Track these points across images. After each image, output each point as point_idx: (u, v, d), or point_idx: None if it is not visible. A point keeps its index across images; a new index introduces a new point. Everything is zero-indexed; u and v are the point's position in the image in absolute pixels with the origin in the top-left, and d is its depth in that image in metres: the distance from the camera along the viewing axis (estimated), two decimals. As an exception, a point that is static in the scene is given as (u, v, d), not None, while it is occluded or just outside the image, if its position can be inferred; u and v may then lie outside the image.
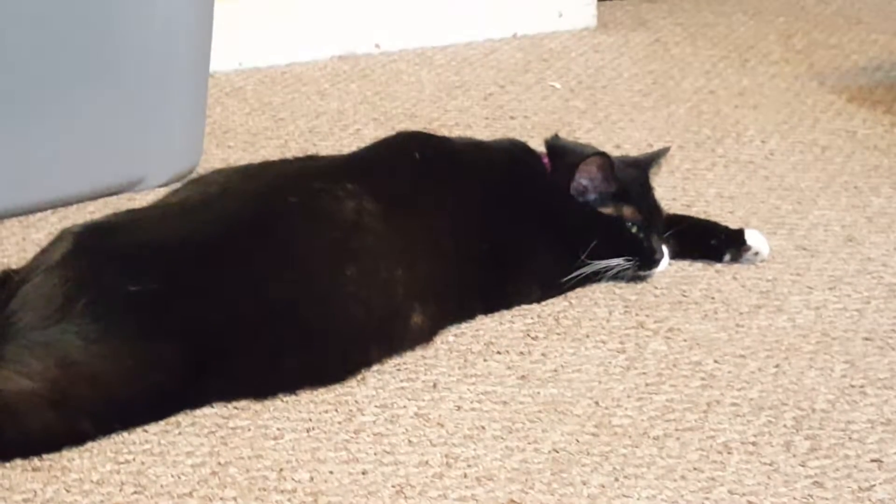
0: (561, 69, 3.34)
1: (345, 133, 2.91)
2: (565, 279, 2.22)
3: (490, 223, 2.18)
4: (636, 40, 3.56)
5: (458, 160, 2.23)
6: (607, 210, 2.24)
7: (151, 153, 2.59)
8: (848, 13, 3.83)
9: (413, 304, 2.06)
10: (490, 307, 2.19)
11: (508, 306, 2.20)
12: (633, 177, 2.28)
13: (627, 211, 2.24)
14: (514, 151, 2.31)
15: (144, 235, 1.95)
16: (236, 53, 3.26)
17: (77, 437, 1.81)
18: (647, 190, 2.30)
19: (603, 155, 2.23)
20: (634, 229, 2.24)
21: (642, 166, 2.32)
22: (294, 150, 2.78)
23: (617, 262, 2.23)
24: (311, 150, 2.77)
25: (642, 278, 2.28)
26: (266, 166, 2.24)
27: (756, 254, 2.37)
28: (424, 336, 2.09)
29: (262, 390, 1.93)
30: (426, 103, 3.09)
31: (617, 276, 2.26)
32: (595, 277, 2.24)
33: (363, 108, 3.06)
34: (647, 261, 2.25)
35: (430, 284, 2.08)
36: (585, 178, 2.22)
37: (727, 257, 2.37)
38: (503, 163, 2.27)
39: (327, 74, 3.26)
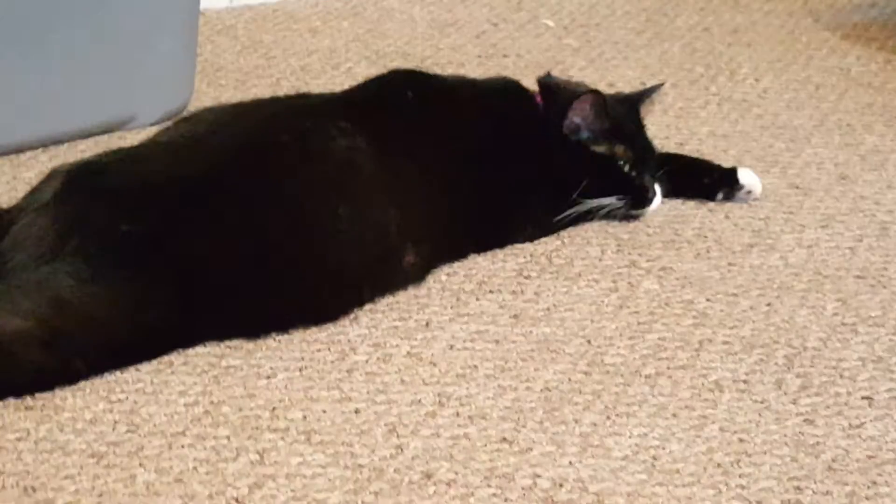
0: (554, 7, 3.32)
1: (337, 71, 2.90)
2: (557, 217, 2.22)
3: (482, 162, 2.17)
4: (630, -23, 3.54)
5: (451, 98, 2.23)
6: (599, 148, 2.23)
7: (142, 91, 2.58)
8: (843, -50, 3.81)
9: (406, 244, 2.06)
10: (483, 246, 2.19)
11: (501, 245, 2.20)
12: (625, 115, 2.27)
13: (619, 149, 2.23)
14: (506, 89, 2.30)
15: (135, 174, 1.95)
16: (227, -9, 3.24)
17: (69, 377, 1.81)
18: (640, 128, 2.29)
19: (595, 93, 2.22)
20: (627, 168, 2.23)
21: (635, 103, 2.32)
22: (286, 89, 2.77)
23: (609, 200, 2.23)
24: (303, 89, 2.76)
25: (635, 217, 2.28)
26: (257, 105, 2.23)
27: (749, 192, 2.37)
28: (417, 275, 2.09)
29: (254, 329, 1.93)
30: (418, 41, 3.08)
31: (609, 215, 2.25)
32: (587, 216, 2.24)
33: (355, 45, 3.04)
34: (640, 199, 2.25)
35: (422, 224, 2.08)
36: (578, 116, 2.22)
37: (720, 196, 2.37)
38: (495, 101, 2.26)
39: (319, 12, 3.24)
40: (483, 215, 2.18)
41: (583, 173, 2.21)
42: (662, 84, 2.42)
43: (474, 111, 2.22)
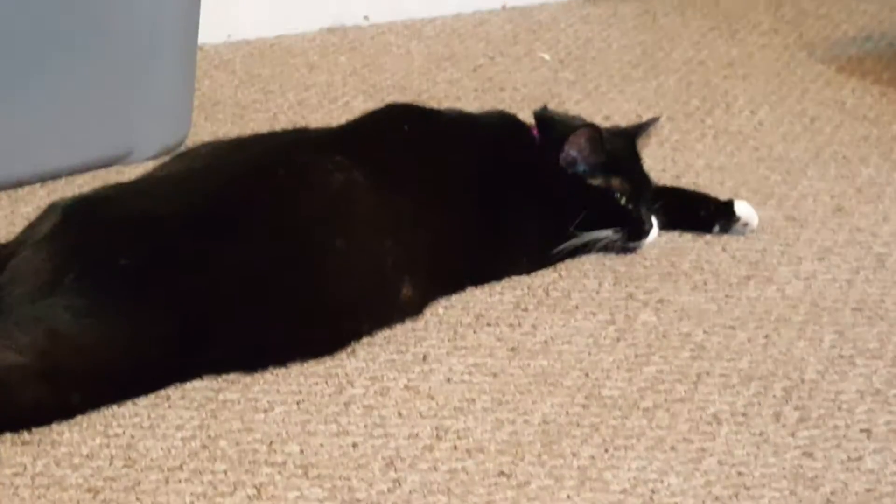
0: (550, 40, 3.33)
1: (334, 105, 2.90)
2: (555, 250, 2.22)
3: (479, 195, 2.18)
4: (625, 11, 3.55)
5: (448, 132, 2.23)
6: (596, 181, 2.23)
7: (140, 126, 2.59)
8: (837, -17, 3.82)
9: (403, 277, 2.06)
10: (480, 279, 2.19)
11: (498, 278, 2.20)
12: (621, 148, 2.28)
13: (616, 182, 2.24)
14: (503, 123, 2.30)
15: (133, 208, 1.95)
16: (225, 25, 3.25)
17: (67, 411, 1.80)
18: (636, 161, 2.30)
19: (592, 126, 2.23)
20: (623, 200, 2.24)
21: (631, 137, 2.32)
22: (283, 123, 2.78)
23: (606, 233, 2.23)
24: (301, 123, 2.76)
25: (632, 249, 2.28)
26: (255, 139, 2.23)
27: (745, 225, 2.38)
28: (414, 308, 2.09)
29: (252, 363, 1.93)
30: (415, 75, 3.09)
31: (606, 248, 2.26)
32: (584, 249, 2.24)
33: (352, 80, 3.05)
34: (636, 232, 2.25)
35: (419, 257, 2.08)
36: (574, 150, 2.22)
37: (717, 228, 2.37)
38: (492, 134, 2.26)
39: (316, 47, 3.25)
40: (480, 248, 2.18)
41: (580, 206, 2.21)
42: (658, 118, 2.42)
43: (471, 145, 2.22)
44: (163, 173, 2.08)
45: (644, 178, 2.30)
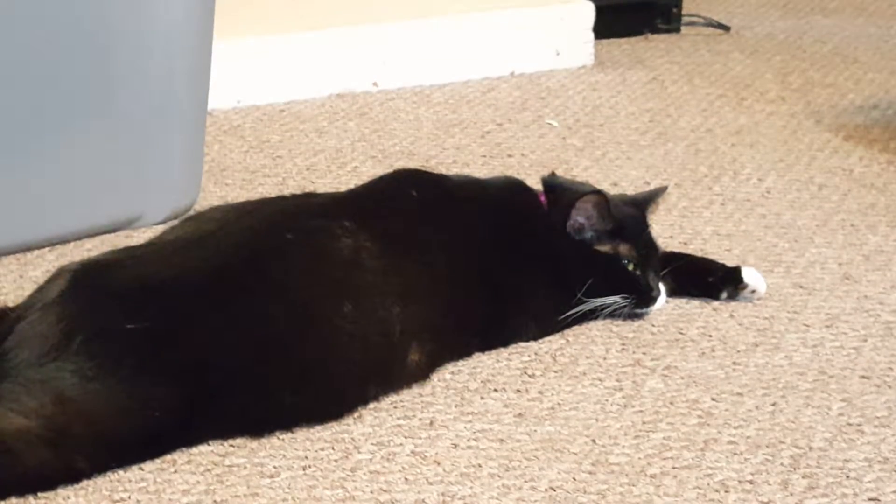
0: (558, 107, 3.35)
1: (343, 171, 2.92)
2: (562, 317, 2.22)
3: (487, 261, 2.18)
4: (633, 78, 3.57)
5: (456, 198, 2.24)
6: (604, 248, 2.24)
7: (149, 190, 2.60)
8: (844, 52, 3.85)
9: (410, 342, 2.06)
10: (487, 345, 2.19)
11: (505, 344, 2.20)
12: (629, 215, 2.28)
13: (624, 248, 2.24)
14: (511, 189, 2.31)
15: (141, 273, 1.95)
16: (234, 91, 3.27)
17: (73, 475, 1.80)
18: (644, 228, 2.30)
19: (599, 193, 2.23)
20: (631, 267, 2.24)
21: (639, 204, 2.33)
22: (292, 188, 2.79)
23: (614, 299, 2.23)
24: (309, 188, 2.77)
25: (639, 316, 2.28)
26: (263, 203, 2.24)
27: (753, 291, 2.38)
28: (422, 373, 2.08)
29: (258, 428, 1.93)
30: (424, 141, 3.10)
31: (614, 314, 2.26)
32: (592, 315, 2.24)
33: (361, 145, 3.07)
34: (644, 298, 2.25)
35: (427, 322, 2.08)
36: (582, 216, 2.23)
37: (724, 295, 2.37)
38: (500, 200, 2.27)
39: (325, 112, 3.27)
40: (487, 314, 2.18)
41: (587, 272, 2.22)
42: (667, 187, 2.43)
43: (479, 210, 2.23)
44: (171, 237, 2.08)
45: (652, 244, 2.30)
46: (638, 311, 2.27)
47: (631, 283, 2.24)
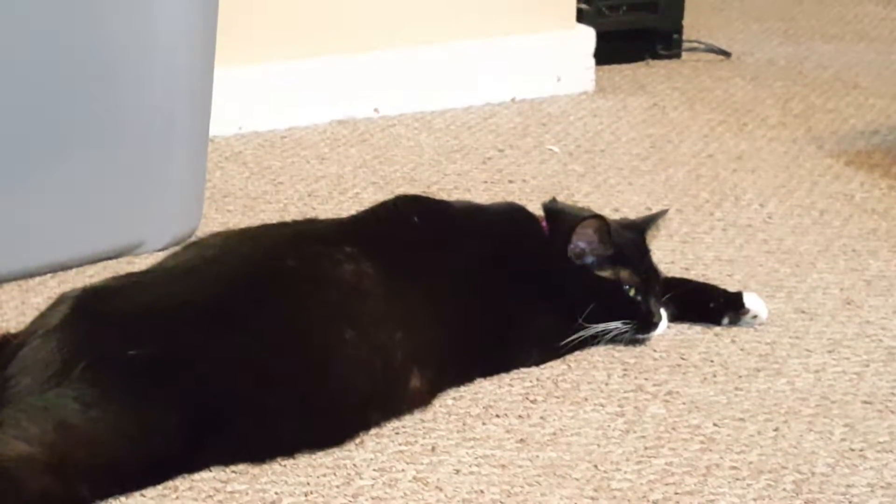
0: (559, 133, 3.35)
1: (344, 197, 2.92)
2: (563, 342, 2.22)
3: (488, 286, 2.18)
4: (634, 104, 3.58)
5: (456, 224, 2.24)
6: (604, 273, 2.24)
7: (151, 217, 2.60)
8: (845, 77, 3.85)
9: (412, 368, 2.06)
10: (488, 370, 2.19)
11: (507, 369, 2.20)
12: (629, 240, 2.29)
13: (624, 274, 2.24)
14: (511, 215, 2.31)
15: (143, 299, 1.95)
16: (236, 118, 3.28)
17: (74, 502, 1.80)
18: (644, 253, 2.30)
19: (599, 218, 2.24)
20: (632, 292, 2.24)
21: (639, 229, 2.33)
22: (293, 214, 2.79)
23: (615, 325, 2.23)
24: (311, 214, 2.78)
25: (640, 341, 2.28)
26: (264, 229, 2.24)
27: (754, 317, 2.37)
28: (423, 399, 2.08)
29: (259, 454, 1.93)
30: (425, 167, 3.10)
31: (615, 339, 2.26)
32: (593, 340, 2.24)
33: (362, 171, 3.07)
34: (645, 324, 2.25)
35: (428, 348, 2.08)
36: (582, 241, 2.23)
37: (726, 320, 2.37)
38: (501, 226, 2.27)
39: (326, 138, 3.27)
40: (488, 340, 2.18)
41: (588, 298, 2.22)
42: (667, 210, 2.43)
43: (480, 236, 2.23)
44: (172, 263, 2.09)
45: (652, 269, 2.30)
46: (639, 336, 2.27)
47: (632, 309, 2.24)
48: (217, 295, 1.96)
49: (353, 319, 2.01)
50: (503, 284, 2.19)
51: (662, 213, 2.40)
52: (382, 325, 2.03)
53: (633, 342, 2.28)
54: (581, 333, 2.22)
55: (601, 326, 2.22)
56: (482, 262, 2.19)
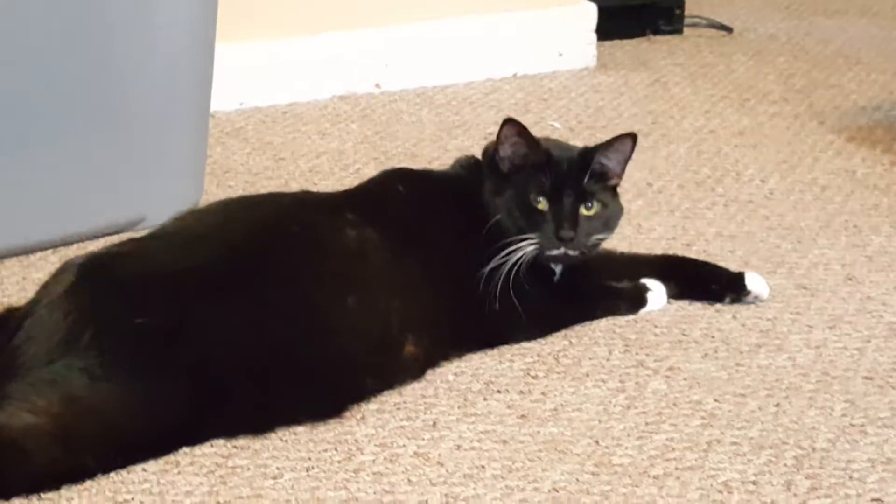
0: (561, 109, 3.35)
1: (345, 172, 2.92)
2: (483, 272, 2.11)
3: (468, 251, 2.15)
4: (636, 80, 3.57)
5: (438, 191, 2.22)
6: (516, 178, 2.16)
7: (152, 193, 2.60)
8: (847, 53, 3.85)
9: (407, 336, 2.06)
10: (482, 338, 2.17)
11: (499, 335, 2.18)
12: (567, 157, 2.19)
13: (537, 182, 2.15)
14: (469, 170, 2.28)
15: (148, 266, 1.95)
16: (237, 93, 3.27)
17: (80, 474, 1.80)
18: (581, 172, 2.18)
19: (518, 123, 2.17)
20: (541, 203, 2.16)
21: (591, 152, 2.22)
22: (294, 189, 2.79)
23: (520, 242, 2.13)
24: (312, 190, 2.77)
25: (556, 259, 2.18)
26: (267, 197, 2.25)
27: (756, 297, 2.37)
28: (418, 367, 2.08)
29: (260, 423, 1.93)
30: (426, 143, 3.10)
31: (532, 261, 2.14)
32: (514, 267, 2.12)
33: (363, 147, 3.07)
34: (548, 239, 2.15)
35: (423, 316, 2.08)
36: (507, 144, 2.16)
37: (727, 300, 2.37)
38: (469, 187, 2.23)
39: (328, 114, 3.27)
40: (475, 304, 2.14)
41: (497, 206, 2.16)
42: (631, 135, 2.25)
43: (457, 201, 2.20)
44: (175, 229, 2.08)
45: (582, 191, 2.17)
46: (548, 253, 2.16)
47: (537, 220, 2.15)
48: (222, 263, 1.96)
49: (356, 287, 2.02)
50: (481, 246, 2.15)
51: (621, 137, 2.25)
52: (382, 292, 2.04)
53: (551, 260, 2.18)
54: (496, 261, 2.12)
55: (508, 243, 2.12)
56: (464, 227, 2.17)
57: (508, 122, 2.19)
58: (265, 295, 1.95)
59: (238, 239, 2.00)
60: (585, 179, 2.19)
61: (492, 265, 2.13)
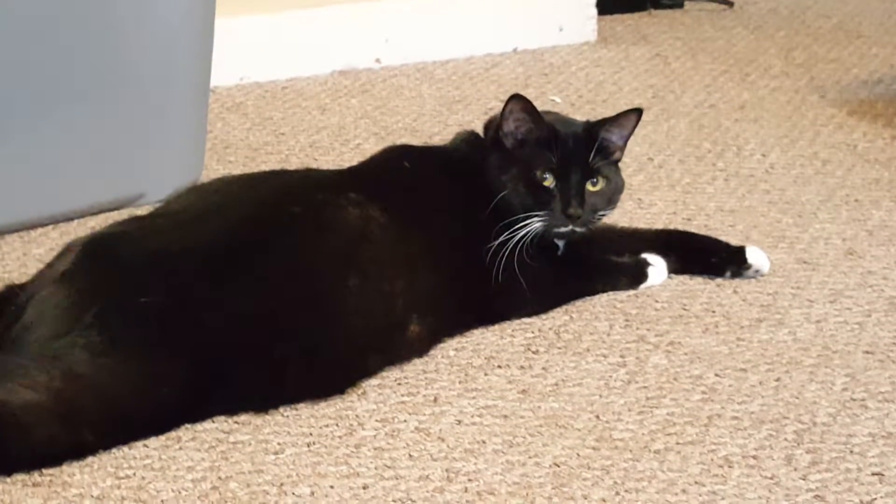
0: (561, 83, 3.34)
1: (346, 148, 2.91)
2: (489, 246, 2.11)
3: (472, 227, 2.15)
4: (636, 55, 3.57)
5: (441, 168, 2.22)
6: (521, 156, 2.16)
7: (152, 168, 2.60)
8: (848, 27, 3.84)
9: (411, 314, 2.06)
10: (484, 314, 2.17)
11: (502, 311, 2.18)
12: (572, 133, 2.19)
13: (542, 158, 2.15)
14: (470, 145, 2.27)
15: (151, 245, 1.95)
16: (237, 68, 3.27)
17: (80, 450, 1.81)
18: (586, 148, 2.18)
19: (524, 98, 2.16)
20: (548, 181, 2.15)
21: (595, 127, 2.21)
22: (295, 165, 2.79)
23: (528, 220, 2.13)
24: (312, 165, 2.77)
25: (562, 236, 2.19)
26: (268, 175, 2.24)
27: (757, 271, 2.37)
28: (422, 345, 2.08)
29: (263, 402, 1.93)
30: (427, 118, 3.10)
31: (539, 238, 2.15)
32: (520, 243, 2.12)
33: (364, 122, 3.06)
34: (556, 217, 2.15)
35: (427, 294, 2.07)
36: (511, 119, 2.16)
37: (728, 274, 2.37)
38: (469, 163, 2.23)
39: (328, 89, 3.26)
40: (478, 281, 2.14)
41: (503, 183, 2.15)
42: (637, 110, 2.25)
43: (463, 176, 2.20)
44: (178, 207, 2.08)
45: (588, 168, 2.17)
46: (556, 230, 2.16)
47: (545, 198, 2.15)
48: (224, 242, 1.96)
49: (359, 266, 2.02)
50: (486, 223, 2.15)
51: (627, 112, 2.24)
52: (385, 271, 2.03)
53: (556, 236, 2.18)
54: (502, 238, 2.11)
55: (515, 220, 2.11)
56: (467, 204, 2.16)
57: (514, 97, 2.18)
58: (268, 274, 1.95)
59: (241, 218, 2.00)
60: (591, 156, 2.18)
61: (498, 242, 2.13)
